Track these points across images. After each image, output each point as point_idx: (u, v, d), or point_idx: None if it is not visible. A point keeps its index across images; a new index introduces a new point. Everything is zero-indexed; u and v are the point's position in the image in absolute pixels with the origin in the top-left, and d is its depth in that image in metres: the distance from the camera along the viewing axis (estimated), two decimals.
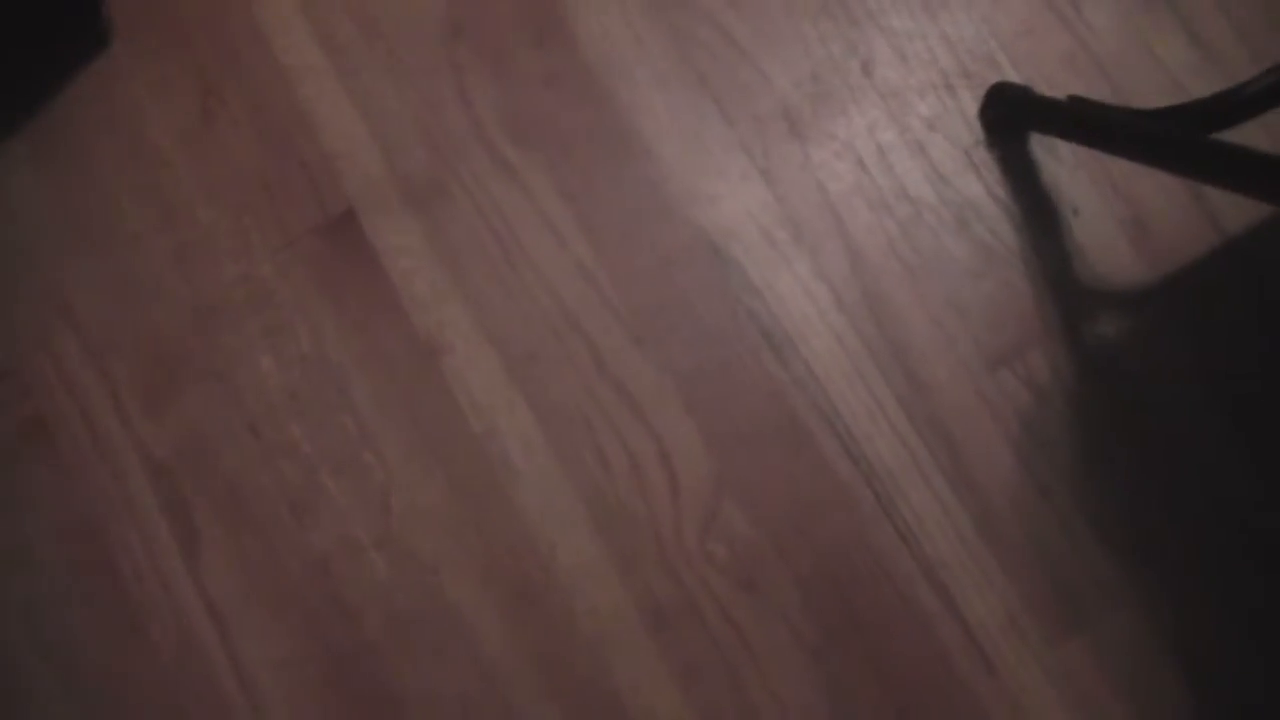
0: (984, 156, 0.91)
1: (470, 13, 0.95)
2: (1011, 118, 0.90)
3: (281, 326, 0.93)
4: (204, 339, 0.93)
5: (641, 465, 0.89)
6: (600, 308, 0.90)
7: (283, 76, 0.95)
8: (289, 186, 0.94)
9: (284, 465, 0.91)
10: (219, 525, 0.91)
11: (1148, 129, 0.76)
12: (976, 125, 0.91)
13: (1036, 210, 0.90)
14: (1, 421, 0.93)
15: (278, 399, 0.92)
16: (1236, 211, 0.89)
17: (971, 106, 0.91)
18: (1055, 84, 0.91)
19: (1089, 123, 0.83)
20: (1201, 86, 0.91)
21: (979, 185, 0.90)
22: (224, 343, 0.93)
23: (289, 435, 0.92)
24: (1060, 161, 0.90)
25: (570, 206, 0.91)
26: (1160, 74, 0.91)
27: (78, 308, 0.94)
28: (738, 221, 0.90)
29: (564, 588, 0.89)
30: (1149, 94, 0.91)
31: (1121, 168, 0.90)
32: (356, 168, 0.93)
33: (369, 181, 0.93)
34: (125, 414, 0.93)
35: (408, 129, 0.93)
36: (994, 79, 0.91)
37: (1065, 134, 0.86)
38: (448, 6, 0.95)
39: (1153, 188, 0.90)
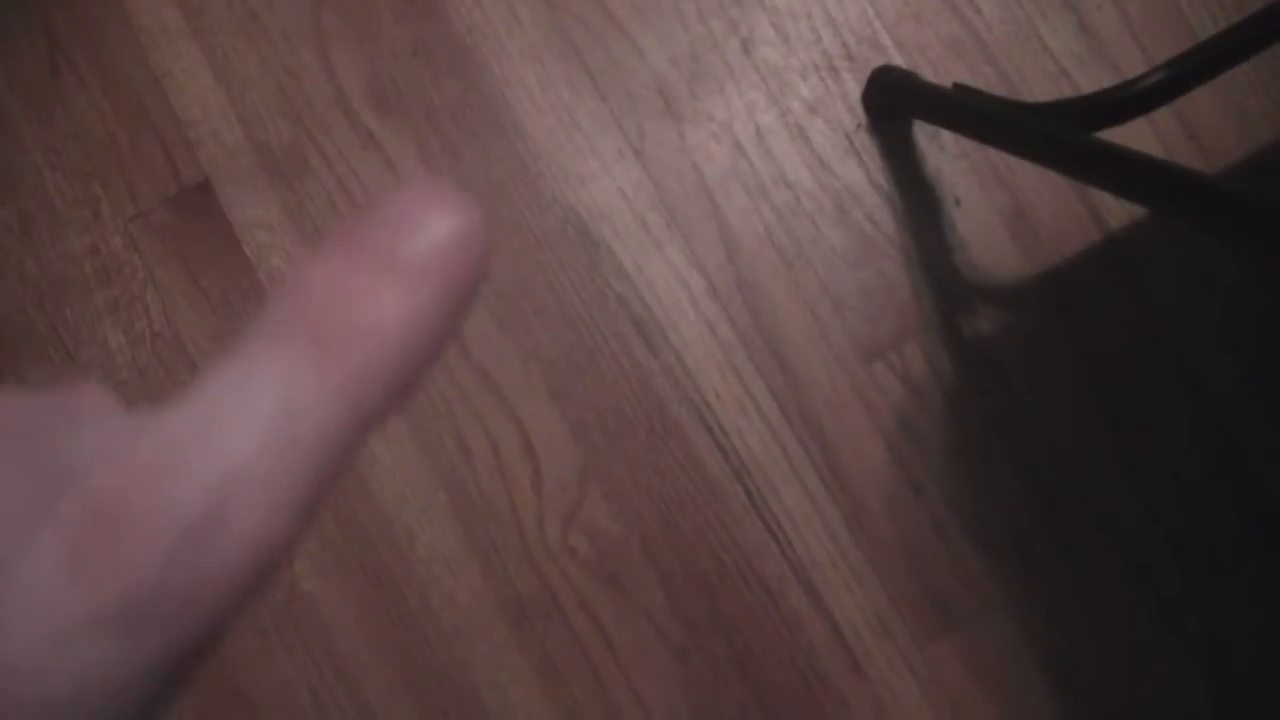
0: (865, 142, 0.88)
1: None
2: (895, 103, 0.87)
3: (131, 301, 0.88)
4: (47, 313, 0.88)
5: (504, 454, 0.86)
6: None
7: (136, 36, 0.89)
8: (141, 154, 0.89)
9: None
10: None
11: (1030, 124, 0.73)
12: (859, 109, 0.88)
13: (918, 199, 0.87)
14: None
15: (127, 376, 0.88)
16: (1119, 207, 0.87)
17: (854, 90, 0.88)
18: (941, 69, 0.89)
19: (972, 114, 0.80)
20: (1089, 77, 0.89)
21: (860, 171, 0.87)
22: (69, 317, 0.88)
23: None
24: (943, 149, 0.88)
25: (432, 176, 0.87)
26: (1048, 62, 0.89)
27: None
28: (609, 202, 0.87)
29: (422, 578, 0.86)
30: (1036, 82, 0.89)
31: (1005, 158, 0.88)
32: (213, 136, 0.89)
33: (226, 151, 0.88)
34: None
35: (268, 97, 0.89)
36: (878, 62, 0.88)
37: (948, 123, 0.84)
38: None
39: (1036, 179, 0.87)
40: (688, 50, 0.88)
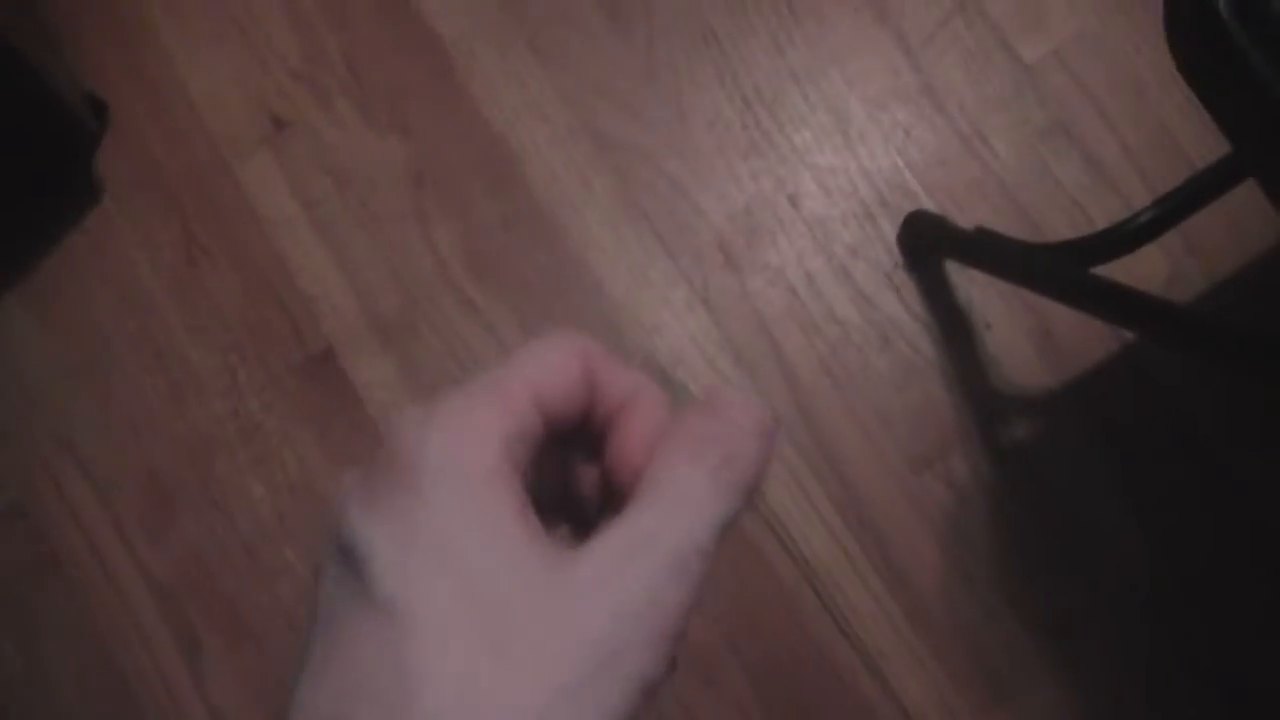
0: (903, 278, 1.00)
1: (431, 163, 1.03)
2: (926, 243, 0.99)
3: (270, 456, 1.02)
4: (198, 470, 1.02)
5: None
6: None
7: (262, 227, 1.03)
8: (270, 327, 1.02)
9: (279, 584, 1.00)
10: (219, 639, 1.00)
11: (1037, 264, 0.86)
12: (895, 250, 1.00)
13: (952, 326, 0.99)
14: (18, 554, 1.02)
15: (270, 523, 1.01)
16: None
17: (890, 233, 1.00)
18: (966, 208, 1.00)
19: (991, 253, 0.92)
20: (1099, 206, 1.00)
21: (899, 305, 0.99)
22: (217, 472, 1.02)
23: (283, 557, 1.00)
24: (972, 280, 0.99)
25: (529, 339, 1.00)
26: (1061, 195, 1.00)
27: (81, 446, 1.03)
28: (682, 348, 0.99)
29: None
30: (1051, 214, 1.00)
31: None
32: (333, 309, 1.02)
33: (345, 321, 1.02)
34: (129, 542, 1.01)
35: (379, 272, 1.02)
36: (910, 207, 1.00)
37: (971, 261, 0.96)
38: (408, 158, 1.03)
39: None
40: (743, 208, 1.01)
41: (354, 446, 1.01)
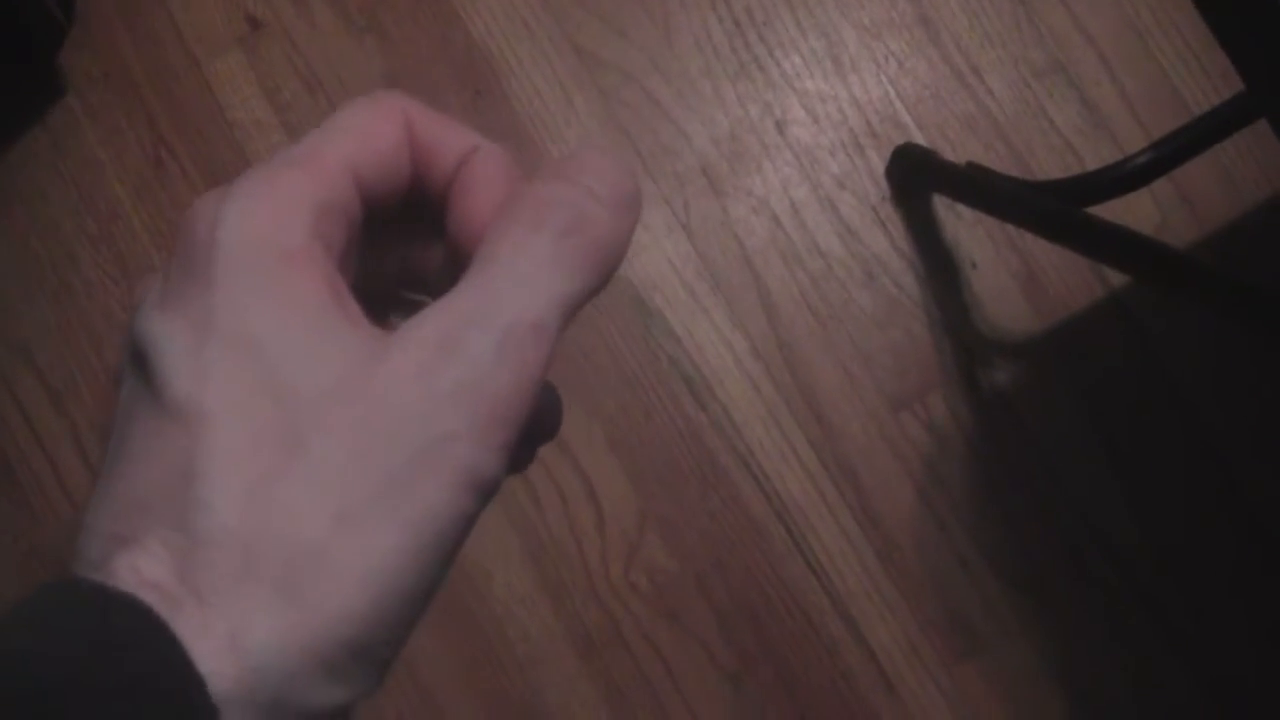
0: (890, 212, 0.97)
1: (407, 70, 1.00)
2: (915, 177, 0.96)
3: None
4: None
5: (570, 502, 0.96)
6: None
7: (231, 130, 1.00)
8: None
9: None
10: None
11: (1029, 201, 0.83)
12: (883, 183, 0.97)
13: (938, 263, 0.97)
14: None
15: None
16: None
17: (879, 165, 0.98)
18: (957, 144, 0.98)
19: (982, 189, 0.89)
20: (1092, 150, 0.98)
21: (885, 240, 0.97)
22: None
23: None
24: (960, 217, 0.97)
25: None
26: (1054, 137, 0.98)
27: (36, 352, 0.99)
28: (660, 273, 0.97)
29: (498, 614, 0.95)
30: (1043, 154, 0.98)
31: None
32: None
33: None
34: (84, 450, 0.98)
35: None
36: (899, 139, 0.97)
37: (961, 197, 0.93)
38: (386, 64, 1.00)
39: (1045, 243, 0.97)
40: (728, 132, 0.98)
41: None
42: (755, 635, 0.94)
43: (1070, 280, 0.96)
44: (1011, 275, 0.97)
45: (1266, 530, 0.94)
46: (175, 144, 1.00)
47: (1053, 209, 0.82)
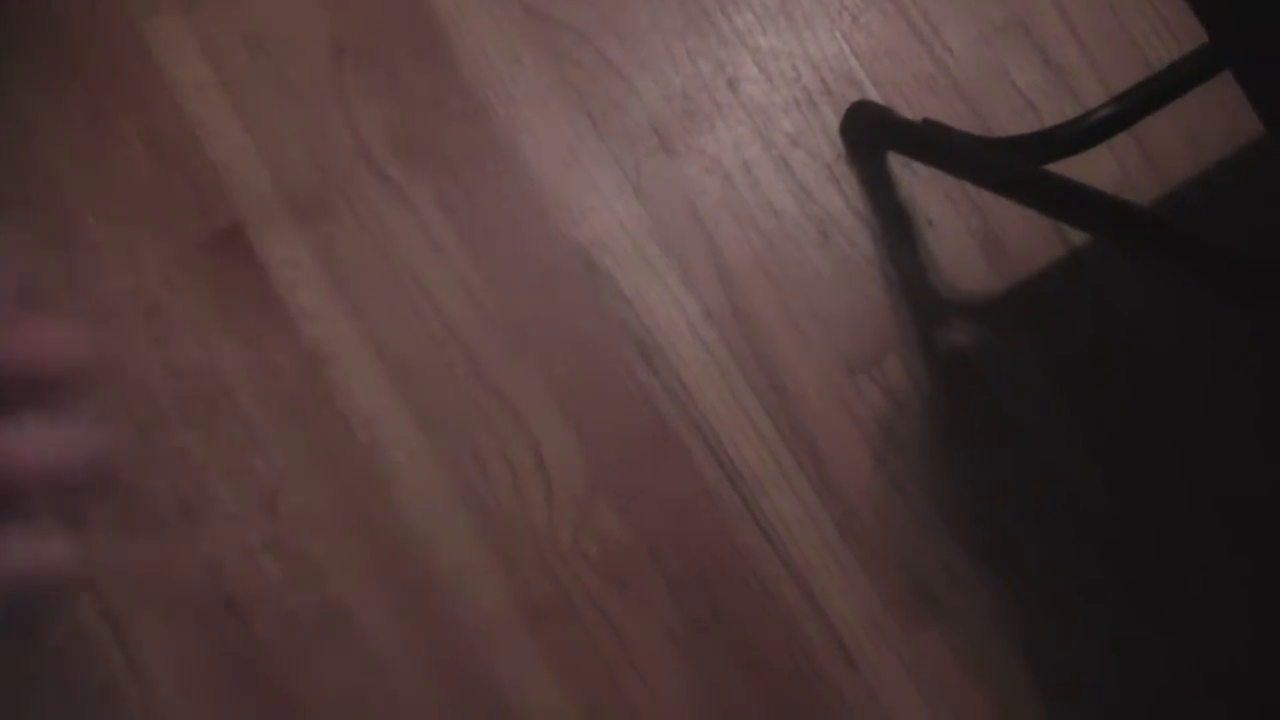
0: (844, 171, 0.95)
1: (354, 32, 0.97)
2: (870, 135, 0.94)
3: (170, 337, 0.96)
4: (94, 349, 0.95)
5: (518, 469, 0.93)
6: (479, 318, 0.94)
7: (170, 91, 0.97)
8: (176, 201, 0.96)
9: (174, 470, 0.94)
10: (109, 527, 0.94)
11: (987, 158, 0.81)
12: (838, 141, 0.95)
13: (894, 222, 0.95)
14: None
15: (167, 406, 0.95)
16: None
17: (833, 123, 0.95)
18: (914, 102, 0.96)
19: (938, 147, 0.87)
20: (1052, 108, 0.96)
21: (840, 199, 0.95)
22: (114, 353, 0.96)
23: (178, 441, 0.94)
24: (916, 175, 0.95)
25: (451, 221, 0.95)
26: (1013, 95, 0.96)
27: None
28: (610, 234, 0.94)
29: (446, 587, 0.93)
30: (1002, 113, 0.96)
31: None
32: (244, 183, 0.96)
33: (256, 196, 0.96)
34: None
35: (294, 145, 0.96)
36: (854, 97, 0.95)
37: (917, 154, 0.91)
38: (331, 25, 0.97)
39: (1004, 202, 0.95)
40: (679, 90, 0.96)
41: (260, 327, 0.95)
42: (709, 605, 0.92)
43: (1029, 237, 0.94)
44: (970, 234, 0.94)
45: (1239, 492, 0.92)
46: (111, 105, 0.97)
47: (1011, 166, 0.80)
